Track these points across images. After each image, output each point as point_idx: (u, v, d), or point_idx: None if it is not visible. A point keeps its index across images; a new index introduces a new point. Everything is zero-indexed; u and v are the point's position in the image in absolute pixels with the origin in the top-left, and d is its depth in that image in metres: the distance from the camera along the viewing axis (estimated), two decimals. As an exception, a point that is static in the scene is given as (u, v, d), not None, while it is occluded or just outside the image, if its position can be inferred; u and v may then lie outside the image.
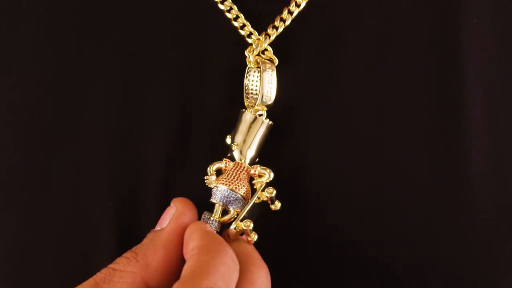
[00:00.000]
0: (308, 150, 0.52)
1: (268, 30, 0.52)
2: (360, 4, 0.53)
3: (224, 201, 0.50)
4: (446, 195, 0.52)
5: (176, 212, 0.48)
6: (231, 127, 0.52)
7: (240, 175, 0.51)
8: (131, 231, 0.51)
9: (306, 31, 0.52)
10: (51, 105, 0.52)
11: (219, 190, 0.51)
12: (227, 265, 0.43)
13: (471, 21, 0.53)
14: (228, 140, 0.52)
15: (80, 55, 0.52)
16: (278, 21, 0.52)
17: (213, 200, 0.51)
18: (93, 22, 0.53)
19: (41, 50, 0.53)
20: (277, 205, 0.51)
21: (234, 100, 0.52)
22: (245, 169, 0.51)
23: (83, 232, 0.52)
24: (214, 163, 0.52)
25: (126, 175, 0.52)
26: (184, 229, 0.48)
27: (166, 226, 0.48)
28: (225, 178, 0.51)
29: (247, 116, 0.52)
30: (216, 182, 0.51)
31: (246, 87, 0.52)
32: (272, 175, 0.51)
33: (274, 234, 0.52)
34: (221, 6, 0.52)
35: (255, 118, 0.52)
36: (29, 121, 0.52)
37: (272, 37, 0.52)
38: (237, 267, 0.44)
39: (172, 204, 0.49)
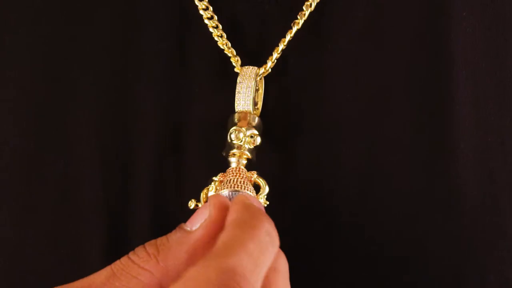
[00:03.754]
0: (296, 148, 0.52)
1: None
2: None
3: None
4: (434, 190, 0.51)
5: (209, 218, 0.44)
6: (226, 126, 0.52)
7: (239, 177, 0.50)
8: (123, 225, 0.51)
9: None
10: (40, 100, 0.52)
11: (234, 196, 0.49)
12: (259, 240, 0.40)
13: (460, 14, 0.52)
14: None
15: (70, 48, 0.53)
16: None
17: None
18: (84, 11, 0.53)
19: (31, 40, 0.53)
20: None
21: (228, 100, 0.52)
22: (244, 172, 0.50)
23: (74, 227, 0.51)
24: (204, 189, 0.50)
25: (118, 171, 0.52)
26: (213, 236, 0.44)
27: (195, 231, 0.44)
28: (225, 184, 0.49)
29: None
30: (217, 191, 0.49)
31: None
32: (267, 189, 0.50)
33: None
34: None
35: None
36: (20, 116, 0.52)
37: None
38: (275, 242, 0.41)
39: (209, 203, 0.45)
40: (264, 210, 0.46)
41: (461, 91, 0.52)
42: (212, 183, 0.50)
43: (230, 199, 0.48)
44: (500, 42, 0.53)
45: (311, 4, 0.52)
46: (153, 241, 0.44)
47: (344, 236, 0.51)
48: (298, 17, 0.52)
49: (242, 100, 0.51)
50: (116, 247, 0.51)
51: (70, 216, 0.52)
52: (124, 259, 0.43)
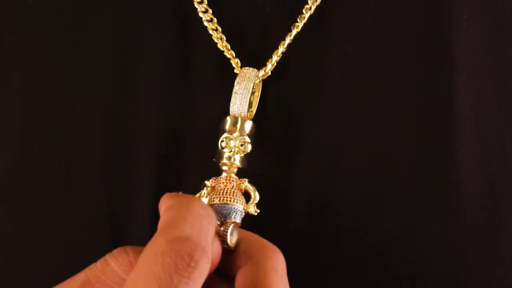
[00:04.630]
0: (296, 151, 0.52)
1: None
2: (348, 2, 0.52)
3: (220, 217, 0.48)
4: (434, 193, 0.51)
5: None
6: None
7: (230, 187, 0.49)
8: (124, 228, 0.51)
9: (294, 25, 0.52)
10: (41, 101, 0.52)
11: (213, 208, 0.48)
12: (196, 214, 0.41)
13: (461, 15, 0.52)
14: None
15: (73, 53, 0.53)
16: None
17: None
18: (84, 12, 0.53)
19: (31, 41, 0.53)
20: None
21: (228, 101, 0.52)
22: (235, 180, 0.50)
23: (76, 230, 0.51)
24: (197, 194, 0.50)
25: (120, 173, 0.51)
26: None
27: None
28: (216, 194, 0.49)
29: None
30: (209, 201, 0.49)
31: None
32: (258, 197, 0.50)
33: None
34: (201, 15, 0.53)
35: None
36: (22, 119, 0.52)
37: None
38: (210, 213, 0.42)
39: None
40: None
41: (461, 94, 0.52)
42: (204, 188, 0.50)
43: (219, 210, 0.48)
44: (501, 44, 0.53)
45: (310, 7, 0.52)
46: (135, 247, 0.43)
47: (344, 238, 0.51)
48: (298, 20, 0.52)
49: (238, 101, 0.51)
50: None
51: (71, 219, 0.52)
52: (100, 263, 0.43)
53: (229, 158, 0.50)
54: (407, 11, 0.52)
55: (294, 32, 0.52)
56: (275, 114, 0.52)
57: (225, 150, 0.50)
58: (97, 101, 0.52)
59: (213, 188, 0.50)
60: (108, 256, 0.43)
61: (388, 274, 0.51)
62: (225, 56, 0.52)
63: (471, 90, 0.52)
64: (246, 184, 0.50)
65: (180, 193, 0.45)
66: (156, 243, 0.39)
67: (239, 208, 0.49)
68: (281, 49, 0.52)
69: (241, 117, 0.51)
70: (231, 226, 0.46)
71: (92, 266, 0.43)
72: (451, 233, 0.51)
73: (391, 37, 0.52)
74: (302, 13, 0.52)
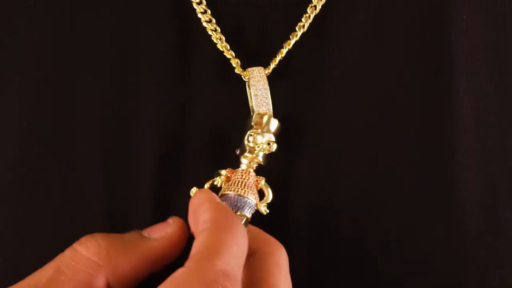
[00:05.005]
0: (296, 150, 0.52)
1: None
2: (348, 2, 0.53)
3: (233, 208, 0.49)
4: (434, 193, 0.51)
5: (171, 234, 0.47)
6: (226, 128, 0.52)
7: (247, 181, 0.49)
8: (125, 230, 0.49)
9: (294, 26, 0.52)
10: (44, 104, 0.52)
11: (227, 198, 0.49)
12: (240, 243, 0.42)
13: (461, 16, 0.53)
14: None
15: (73, 53, 0.52)
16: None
17: None
18: (84, 13, 0.53)
19: (31, 42, 0.52)
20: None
21: (227, 98, 0.52)
22: (252, 176, 0.50)
23: (76, 232, 0.49)
24: (210, 180, 0.50)
25: (120, 174, 0.51)
26: (169, 251, 0.46)
27: (152, 239, 0.46)
28: (232, 185, 0.49)
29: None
30: (223, 190, 0.49)
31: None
32: (271, 197, 0.50)
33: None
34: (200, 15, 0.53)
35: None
36: (22, 119, 0.52)
37: None
38: (246, 243, 0.43)
39: (170, 222, 0.47)
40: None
41: (461, 94, 0.52)
42: (218, 177, 0.50)
43: (232, 201, 0.49)
44: (500, 44, 0.53)
45: (315, 7, 0.52)
46: (106, 234, 0.45)
47: (344, 238, 0.51)
48: (303, 19, 0.52)
49: (262, 102, 0.51)
50: None
51: (71, 219, 0.51)
52: (69, 251, 0.44)
53: (252, 151, 0.50)
54: (407, 11, 0.53)
55: (301, 32, 0.52)
56: (275, 114, 0.52)
57: (251, 144, 0.50)
58: (97, 101, 0.52)
59: (228, 178, 0.50)
60: (75, 244, 0.44)
61: (388, 274, 0.51)
62: (224, 56, 0.52)
63: (471, 90, 0.52)
64: (263, 182, 0.50)
65: (225, 204, 0.46)
66: (199, 268, 0.40)
67: (253, 204, 0.49)
68: (286, 48, 0.52)
69: (268, 115, 0.51)
70: (245, 220, 0.47)
71: (61, 255, 0.44)
72: (451, 233, 0.51)
73: (391, 37, 0.53)
74: (306, 12, 0.52)
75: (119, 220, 0.51)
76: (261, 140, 0.50)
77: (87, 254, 0.44)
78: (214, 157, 0.51)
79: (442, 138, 0.51)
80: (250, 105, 0.51)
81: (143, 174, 0.51)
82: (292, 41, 0.52)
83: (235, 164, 0.51)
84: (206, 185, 0.49)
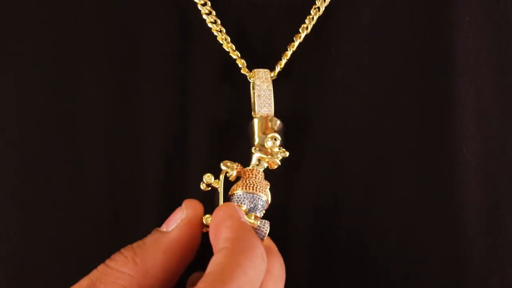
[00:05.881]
0: (299, 151, 0.52)
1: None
2: (352, 3, 0.53)
3: (248, 205, 0.49)
4: (436, 194, 0.51)
5: (185, 218, 0.46)
6: (230, 123, 0.52)
7: (260, 181, 0.50)
8: (131, 230, 0.51)
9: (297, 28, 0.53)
10: (48, 105, 0.52)
11: (254, 198, 0.49)
12: (257, 267, 0.42)
13: (463, 19, 0.53)
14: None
15: (75, 53, 0.52)
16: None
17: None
18: (87, 14, 0.53)
19: (35, 43, 0.52)
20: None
21: (232, 98, 0.52)
22: (262, 177, 0.50)
23: (82, 232, 0.51)
24: (223, 172, 0.50)
25: (125, 174, 0.51)
26: (189, 237, 0.46)
27: (171, 231, 0.46)
28: (256, 183, 0.49)
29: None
30: (237, 188, 0.49)
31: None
32: (269, 200, 0.50)
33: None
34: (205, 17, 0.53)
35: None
36: (26, 121, 0.52)
37: None
38: (265, 265, 0.43)
39: (183, 206, 0.47)
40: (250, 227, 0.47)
41: (463, 96, 0.52)
42: (231, 170, 0.49)
43: (250, 199, 0.48)
44: (502, 46, 0.53)
45: (319, 8, 0.52)
46: (129, 246, 0.46)
47: (345, 238, 0.51)
48: (307, 21, 0.52)
49: (264, 103, 0.51)
50: None
51: (78, 221, 0.51)
52: (101, 267, 0.45)
53: (269, 154, 0.50)
54: (408, 13, 0.53)
55: (304, 34, 0.52)
56: (278, 115, 0.52)
57: (272, 147, 0.50)
58: (102, 102, 0.52)
59: (238, 173, 0.50)
60: (106, 261, 0.45)
61: (389, 274, 0.51)
62: (228, 57, 0.52)
63: (472, 91, 0.52)
64: (267, 188, 0.50)
65: (248, 224, 0.46)
66: None
67: (265, 205, 0.49)
68: (291, 50, 0.52)
69: (275, 118, 0.51)
70: (267, 224, 0.47)
71: (94, 270, 0.45)
72: (451, 233, 0.51)
73: (393, 38, 0.53)
74: (310, 14, 0.52)
75: (124, 220, 0.51)
76: (280, 146, 0.50)
77: (117, 267, 0.44)
78: (219, 156, 0.50)
79: (444, 139, 0.52)
80: (253, 105, 0.52)
81: (148, 174, 0.51)
82: (296, 43, 0.52)
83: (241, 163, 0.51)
84: (221, 176, 0.49)
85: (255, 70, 0.52)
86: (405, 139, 0.52)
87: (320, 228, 0.51)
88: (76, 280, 0.45)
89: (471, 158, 0.52)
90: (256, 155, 0.50)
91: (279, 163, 0.50)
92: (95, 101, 0.52)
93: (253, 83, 0.51)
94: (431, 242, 0.51)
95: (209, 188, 0.49)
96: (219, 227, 0.45)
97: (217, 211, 0.46)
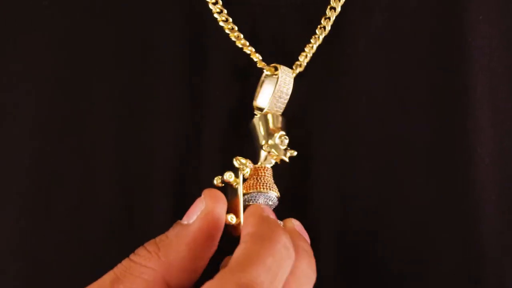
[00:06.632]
0: (314, 151, 0.52)
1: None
2: (366, 2, 0.53)
3: (265, 203, 0.49)
4: (450, 194, 0.51)
5: (205, 209, 0.46)
6: (243, 121, 0.52)
7: (271, 179, 0.50)
8: (144, 226, 0.51)
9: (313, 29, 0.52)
10: (59, 105, 0.52)
11: (269, 197, 0.49)
12: (278, 255, 0.41)
13: (477, 18, 0.53)
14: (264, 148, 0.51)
15: (87, 50, 0.52)
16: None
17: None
18: (100, 14, 0.53)
19: (47, 45, 0.52)
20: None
21: (245, 96, 0.52)
22: (271, 173, 0.50)
23: (93, 233, 0.51)
24: (240, 169, 0.49)
25: (137, 171, 0.51)
26: (212, 227, 0.46)
27: (193, 223, 0.46)
28: (267, 184, 0.49)
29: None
30: (260, 188, 0.49)
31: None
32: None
33: None
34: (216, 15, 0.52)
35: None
36: (38, 121, 0.52)
37: None
38: (292, 254, 0.42)
39: (202, 196, 0.47)
40: (279, 221, 0.48)
41: (477, 96, 0.52)
42: (247, 167, 0.49)
43: (257, 198, 0.49)
44: None
45: (334, 8, 0.52)
46: (152, 240, 0.46)
47: (359, 235, 0.51)
48: (323, 22, 0.52)
49: (282, 100, 0.51)
50: None
51: (91, 220, 0.51)
52: (125, 261, 0.45)
53: (280, 153, 0.50)
54: (422, 13, 0.53)
55: (323, 35, 0.52)
56: (292, 114, 0.52)
57: (282, 146, 0.50)
58: (113, 101, 0.52)
59: (251, 170, 0.49)
60: (130, 255, 0.45)
61: (402, 274, 0.51)
62: (240, 55, 0.52)
63: (487, 90, 0.52)
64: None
65: (269, 209, 0.47)
66: (225, 281, 0.40)
67: (276, 202, 0.50)
68: (311, 53, 0.52)
69: (281, 116, 0.51)
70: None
71: (118, 265, 0.45)
72: (467, 233, 0.51)
73: (407, 38, 0.53)
74: (325, 14, 0.52)
75: (136, 218, 0.51)
76: (287, 144, 0.50)
77: (140, 261, 0.45)
78: (231, 152, 0.50)
79: (458, 138, 0.51)
80: (259, 99, 0.52)
81: (160, 172, 0.51)
82: (315, 45, 0.52)
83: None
84: (240, 175, 0.48)
85: (279, 65, 0.51)
86: (419, 138, 0.52)
87: (337, 230, 0.51)
88: (88, 277, 0.45)
89: (486, 157, 0.52)
90: (264, 153, 0.50)
91: (287, 161, 0.50)
92: (106, 100, 0.52)
93: (277, 77, 0.51)
94: (447, 242, 0.51)
95: (223, 185, 0.48)
96: (244, 226, 0.45)
97: (244, 213, 0.46)
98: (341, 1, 0.52)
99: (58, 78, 0.52)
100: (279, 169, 0.51)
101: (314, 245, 0.49)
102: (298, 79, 0.52)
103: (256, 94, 0.51)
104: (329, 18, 0.52)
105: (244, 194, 0.48)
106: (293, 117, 0.52)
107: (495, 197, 0.51)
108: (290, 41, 0.52)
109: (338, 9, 0.52)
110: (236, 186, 0.48)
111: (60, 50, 0.52)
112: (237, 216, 0.47)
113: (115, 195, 0.51)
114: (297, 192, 0.51)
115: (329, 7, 0.52)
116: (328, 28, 0.52)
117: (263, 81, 0.51)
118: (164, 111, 0.51)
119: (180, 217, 0.47)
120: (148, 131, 0.51)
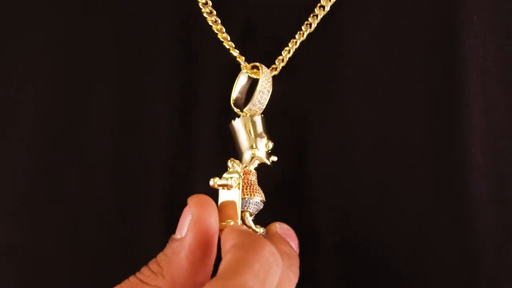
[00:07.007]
0: (310, 150, 0.52)
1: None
2: (360, 2, 0.53)
3: (255, 211, 0.50)
4: (444, 194, 0.51)
5: (193, 218, 0.45)
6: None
7: (256, 182, 0.50)
8: (137, 227, 0.52)
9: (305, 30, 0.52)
10: (56, 104, 0.53)
11: (257, 202, 0.49)
12: (264, 261, 0.41)
13: (471, 18, 0.52)
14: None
15: (84, 52, 0.53)
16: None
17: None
18: (94, 16, 0.54)
19: (47, 45, 0.53)
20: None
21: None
22: (256, 176, 0.51)
23: (90, 233, 0.52)
24: (238, 178, 0.49)
25: (131, 171, 0.52)
26: (205, 234, 0.45)
27: (185, 236, 0.45)
28: (256, 190, 0.49)
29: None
30: (251, 195, 0.49)
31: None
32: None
33: None
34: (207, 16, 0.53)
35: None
36: (37, 120, 0.53)
37: None
38: (279, 261, 0.42)
39: (187, 205, 0.46)
40: (262, 229, 0.48)
41: (472, 95, 0.52)
42: (239, 172, 0.49)
43: (248, 204, 0.49)
44: (510, 46, 0.53)
45: (323, 7, 0.52)
46: (154, 260, 0.46)
47: (355, 238, 0.51)
48: (310, 19, 0.52)
49: (263, 100, 0.52)
50: (132, 255, 0.52)
51: (86, 222, 0.52)
52: (132, 278, 0.45)
53: (269, 158, 0.51)
54: (416, 13, 0.53)
55: (307, 31, 0.52)
56: (286, 115, 0.52)
57: (268, 150, 0.51)
58: (109, 101, 0.53)
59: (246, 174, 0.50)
60: (136, 273, 0.46)
61: (399, 275, 0.51)
62: (232, 55, 0.52)
63: (481, 90, 0.52)
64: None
65: (250, 230, 0.47)
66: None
67: (261, 206, 0.50)
68: (293, 48, 0.52)
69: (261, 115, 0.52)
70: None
71: (126, 281, 0.45)
72: (462, 233, 0.51)
73: (403, 38, 0.53)
74: (314, 12, 0.52)
75: (131, 219, 0.51)
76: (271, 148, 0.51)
77: (146, 281, 0.45)
78: (224, 156, 0.50)
79: (452, 138, 0.51)
80: (234, 97, 0.52)
81: (155, 174, 0.52)
82: (298, 41, 0.52)
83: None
84: (240, 183, 0.49)
85: (259, 65, 0.52)
86: (413, 138, 0.52)
87: (332, 227, 0.51)
88: (85, 285, 0.47)
89: (479, 156, 0.51)
90: (250, 155, 0.50)
91: (270, 164, 0.51)
92: (103, 99, 0.53)
93: (257, 79, 0.52)
94: (442, 241, 0.51)
95: (220, 188, 0.48)
96: (224, 243, 0.45)
97: (222, 235, 0.46)
98: (331, 1, 0.52)
99: (56, 78, 0.53)
100: (278, 170, 0.51)
101: (313, 245, 0.50)
102: (290, 77, 0.52)
103: (233, 94, 0.52)
104: (316, 15, 0.52)
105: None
106: (290, 116, 0.52)
107: (489, 197, 0.51)
108: (282, 41, 0.52)
109: (327, 8, 0.52)
110: (232, 189, 0.48)
111: (60, 50, 0.53)
112: (235, 220, 0.47)
113: (112, 194, 0.51)
114: (296, 193, 0.51)
115: (318, 5, 0.52)
116: (314, 25, 0.52)
117: (241, 80, 0.52)
118: (157, 110, 0.52)
119: (173, 216, 0.48)
120: (142, 131, 0.52)
